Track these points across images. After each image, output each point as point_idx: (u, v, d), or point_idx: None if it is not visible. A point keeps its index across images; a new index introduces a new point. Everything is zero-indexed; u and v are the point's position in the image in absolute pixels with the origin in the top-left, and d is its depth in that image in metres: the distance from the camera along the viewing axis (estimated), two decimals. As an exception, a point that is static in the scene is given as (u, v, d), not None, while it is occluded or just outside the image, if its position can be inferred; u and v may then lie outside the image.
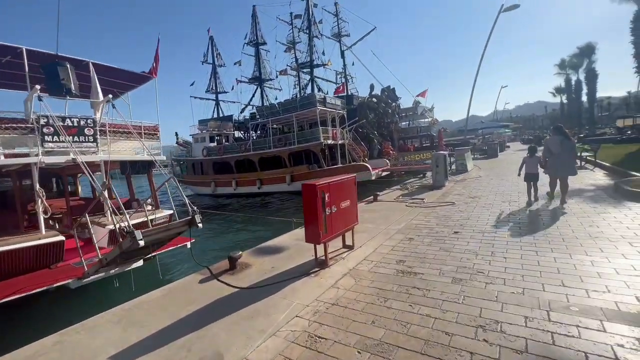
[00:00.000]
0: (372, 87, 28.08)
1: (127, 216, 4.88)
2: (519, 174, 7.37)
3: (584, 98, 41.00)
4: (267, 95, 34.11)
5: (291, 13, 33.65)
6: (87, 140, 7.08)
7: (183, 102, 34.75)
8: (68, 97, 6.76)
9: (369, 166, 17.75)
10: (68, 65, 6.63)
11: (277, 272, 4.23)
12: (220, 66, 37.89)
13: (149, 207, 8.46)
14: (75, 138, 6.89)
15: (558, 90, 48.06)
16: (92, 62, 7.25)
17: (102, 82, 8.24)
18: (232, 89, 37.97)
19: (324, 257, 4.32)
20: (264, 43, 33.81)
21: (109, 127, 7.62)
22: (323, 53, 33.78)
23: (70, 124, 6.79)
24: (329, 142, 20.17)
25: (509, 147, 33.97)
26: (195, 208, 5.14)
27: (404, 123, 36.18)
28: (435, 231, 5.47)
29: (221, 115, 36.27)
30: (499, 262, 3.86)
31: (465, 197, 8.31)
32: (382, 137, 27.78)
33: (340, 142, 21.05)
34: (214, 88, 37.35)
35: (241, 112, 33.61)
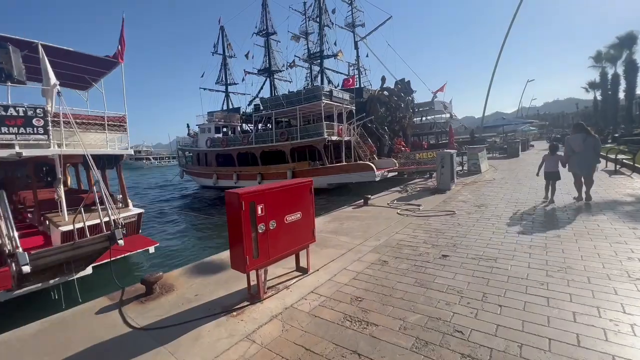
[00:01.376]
0: (383, 80, 26.48)
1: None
2: (538, 173, 7.28)
3: (621, 94, 37.40)
4: (276, 87, 33.15)
5: (304, 2, 32.40)
6: (35, 132, 6.35)
7: (196, 94, 34.42)
8: (9, 83, 6.02)
9: (373, 166, 16.47)
10: (9, 47, 5.86)
11: (196, 304, 3.27)
12: (231, 57, 37.25)
13: (114, 205, 7.72)
14: (22, 129, 6.16)
15: (592, 86, 44.12)
16: (41, 44, 6.48)
17: (63, 68, 7.51)
18: (243, 80, 37.31)
19: (257, 288, 3.30)
20: (274, 33, 32.75)
21: (66, 118, 6.86)
22: (335, 44, 32.43)
23: (14, 113, 6.06)
24: (334, 138, 18.99)
25: (532, 145, 31.52)
26: (122, 221, 4.25)
27: (416, 119, 34.36)
28: (419, 252, 4.33)
29: (231, 107, 35.76)
30: (489, 315, 2.69)
31: (470, 206, 7.02)
32: (394, 133, 26.26)
33: (346, 138, 19.84)
34: (223, 80, 36.83)
35: (249, 105, 32.83)
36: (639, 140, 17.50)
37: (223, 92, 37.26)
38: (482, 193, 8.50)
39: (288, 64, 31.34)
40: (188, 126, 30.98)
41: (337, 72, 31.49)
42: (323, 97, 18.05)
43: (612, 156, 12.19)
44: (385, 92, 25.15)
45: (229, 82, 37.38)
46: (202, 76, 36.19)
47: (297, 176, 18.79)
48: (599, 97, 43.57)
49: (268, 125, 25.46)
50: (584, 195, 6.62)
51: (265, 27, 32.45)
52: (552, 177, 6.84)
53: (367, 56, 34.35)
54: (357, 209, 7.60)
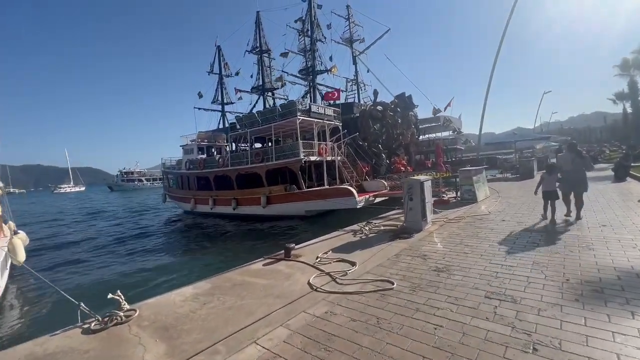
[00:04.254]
0: (375, 93, 24.40)
1: None
2: (536, 192, 7.16)
3: (655, 105, 33.39)
4: (270, 105, 31.69)
5: (302, 20, 31.32)
6: None
7: (192, 114, 33.43)
8: None
9: (353, 191, 14.02)
10: None
11: None
12: (228, 76, 36.50)
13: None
14: None
15: (619, 97, 40.17)
16: None
17: None
18: (239, 99, 36.28)
19: None
20: (268, 50, 31.71)
21: None
22: (331, 59, 30.88)
23: None
24: (314, 158, 16.80)
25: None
26: None
27: (423, 136, 31.81)
28: None
29: (227, 127, 34.60)
30: None
31: (427, 269, 4.48)
32: (391, 151, 23.78)
33: (329, 158, 17.58)
34: (219, 99, 35.92)
35: (230, 124, 31.44)
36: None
37: (219, 111, 36.29)
38: (459, 240, 5.90)
39: (275, 80, 29.94)
40: (182, 147, 29.89)
41: (332, 88, 29.73)
42: (299, 113, 16.02)
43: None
44: (379, 107, 22.90)
45: (225, 102, 36.45)
46: (201, 97, 35.37)
47: (272, 201, 16.61)
48: (629, 109, 39.49)
49: (268, 145, 23.66)
50: (574, 215, 6.74)
51: (259, 45, 31.51)
52: (550, 197, 6.76)
53: (367, 72, 32.28)
54: (265, 267, 5.22)
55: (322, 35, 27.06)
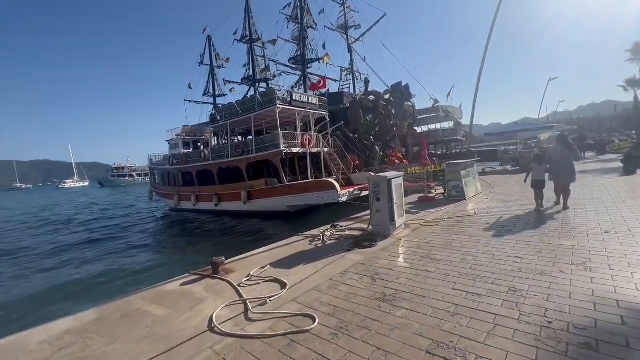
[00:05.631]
0: (367, 82, 22.99)
1: None
2: (525, 180, 7.49)
3: (669, 91, 31.41)
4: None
5: (292, 6, 29.79)
6: None
7: (183, 106, 32.17)
8: None
9: (335, 184, 12.97)
10: None
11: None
12: (219, 67, 35.28)
13: None
14: None
15: (630, 83, 37.96)
16: None
17: None
18: (231, 91, 35.14)
19: None
20: (258, 39, 30.34)
21: None
22: (324, 46, 29.50)
23: None
24: (297, 150, 15.72)
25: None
26: None
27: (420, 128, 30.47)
28: None
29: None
30: None
31: (369, 299, 3.44)
32: (385, 143, 22.55)
33: (313, 150, 16.49)
34: (211, 91, 34.78)
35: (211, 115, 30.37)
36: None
37: (211, 104, 35.18)
38: (427, 252, 4.83)
39: (261, 70, 28.67)
40: None
41: (328, 78, 28.39)
42: (278, 102, 14.89)
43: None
44: (371, 97, 21.58)
45: (217, 94, 35.30)
46: (190, 88, 34.24)
47: (253, 197, 15.65)
48: (640, 96, 37.42)
49: (249, 137, 22.63)
50: (561, 202, 6.91)
51: (248, 34, 30.14)
52: (538, 185, 7.08)
53: (364, 60, 30.78)
54: (181, 288, 4.23)
55: (313, 21, 25.64)
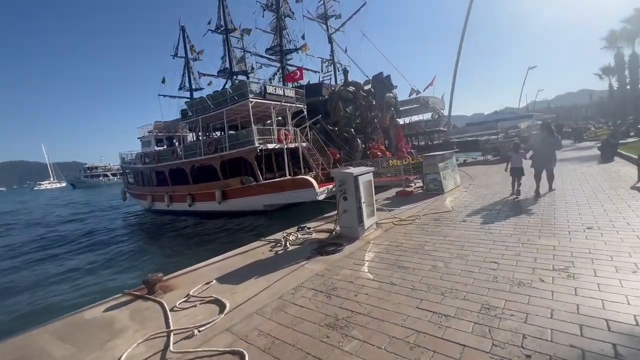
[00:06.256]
0: (346, 72, 22.40)
1: None
2: (506, 169, 7.63)
3: (642, 78, 32.09)
4: (239, 90, 29.36)
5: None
6: None
7: (158, 102, 30.37)
8: None
9: (312, 181, 12.36)
10: None
11: None
12: (195, 60, 33.75)
13: None
14: None
15: (606, 71, 38.73)
16: None
17: None
18: (209, 84, 33.77)
19: None
20: (234, 29, 29.05)
21: None
22: (303, 37, 28.54)
23: None
24: (274, 146, 14.98)
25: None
26: None
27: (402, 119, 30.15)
28: None
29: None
30: None
31: (317, 325, 2.86)
32: (367, 136, 22.05)
33: (290, 145, 15.78)
34: (187, 85, 33.29)
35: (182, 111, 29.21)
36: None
37: (188, 98, 33.68)
38: (395, 258, 4.30)
39: (237, 62, 27.57)
40: None
41: (306, 69, 27.54)
42: (251, 95, 14.06)
43: (635, 156, 8.25)
44: (351, 88, 20.94)
45: (194, 87, 33.83)
46: (164, 82, 32.60)
47: (228, 196, 14.86)
48: (615, 84, 38.24)
49: (221, 133, 21.61)
50: (547, 188, 7.23)
51: (223, 24, 28.80)
52: (516, 173, 7.27)
53: (345, 51, 30.01)
54: (103, 315, 3.53)
55: (290, 10, 24.64)
